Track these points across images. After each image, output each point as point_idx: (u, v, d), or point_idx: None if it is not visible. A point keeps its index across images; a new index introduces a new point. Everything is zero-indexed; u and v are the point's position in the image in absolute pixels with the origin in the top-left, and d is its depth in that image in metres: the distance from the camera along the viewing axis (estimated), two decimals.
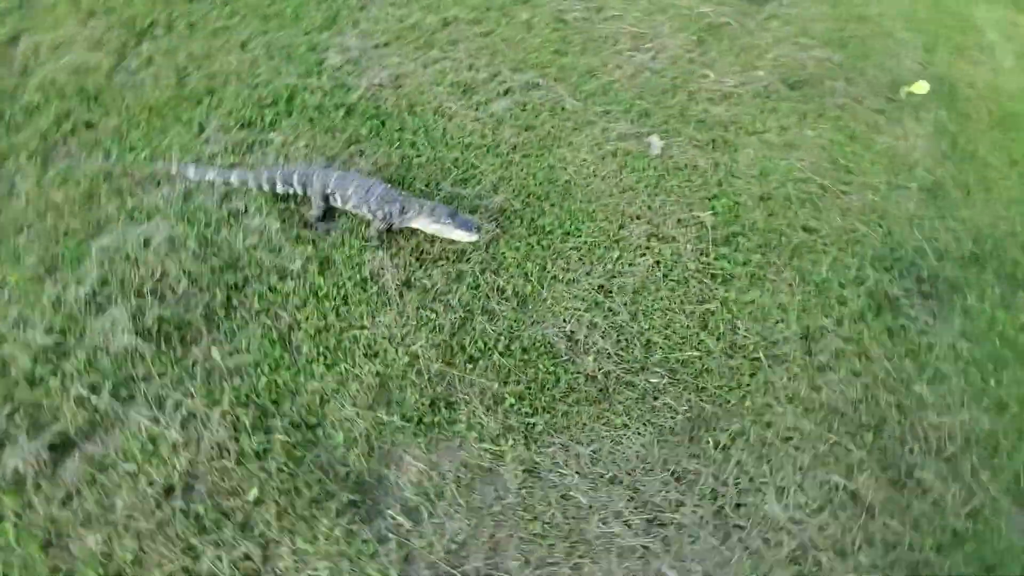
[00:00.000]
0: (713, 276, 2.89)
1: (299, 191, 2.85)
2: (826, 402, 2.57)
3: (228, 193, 2.89)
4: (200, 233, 2.73)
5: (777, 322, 2.78)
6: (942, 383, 2.69)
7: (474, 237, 2.68)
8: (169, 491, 2.13)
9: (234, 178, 2.87)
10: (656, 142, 3.41)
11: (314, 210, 2.81)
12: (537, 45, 3.86)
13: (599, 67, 3.79)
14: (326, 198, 2.79)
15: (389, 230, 2.77)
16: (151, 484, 2.13)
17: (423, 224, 2.71)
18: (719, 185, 3.27)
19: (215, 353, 2.43)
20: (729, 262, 2.94)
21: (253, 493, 2.13)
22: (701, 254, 2.95)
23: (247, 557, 2.03)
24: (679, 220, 3.08)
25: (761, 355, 2.66)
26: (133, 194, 2.86)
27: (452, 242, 2.79)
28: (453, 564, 2.10)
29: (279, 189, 2.85)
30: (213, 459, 2.20)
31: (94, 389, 2.30)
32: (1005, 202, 3.52)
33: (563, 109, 3.51)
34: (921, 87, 3.89)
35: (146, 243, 2.66)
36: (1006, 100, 4.20)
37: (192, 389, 2.33)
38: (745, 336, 2.71)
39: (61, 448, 2.18)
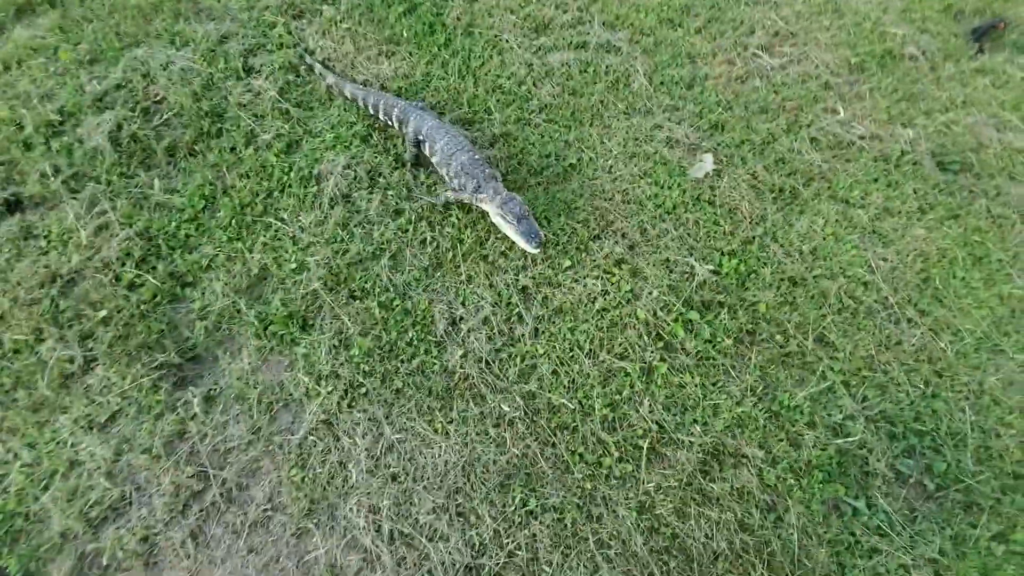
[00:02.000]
0: (658, 336, 2.40)
1: (395, 126, 2.75)
2: (681, 536, 2.08)
3: (255, 48, 2.97)
4: (211, 74, 2.86)
5: (694, 422, 2.25)
6: None
7: (534, 249, 2.34)
8: (54, 279, 2.40)
9: (348, 90, 2.83)
10: (708, 162, 2.80)
11: (407, 153, 2.70)
12: (653, 5, 3.28)
13: (706, 54, 3.14)
14: (417, 143, 2.66)
15: (459, 204, 2.56)
16: (46, 267, 2.41)
17: (491, 210, 2.44)
18: (747, 243, 2.62)
19: (156, 184, 2.61)
20: (689, 331, 2.40)
21: (102, 313, 2.33)
22: (663, 307, 2.44)
23: (71, 360, 2.26)
24: (667, 259, 2.55)
25: (646, 445, 2.20)
26: (187, 20, 3.06)
27: (429, 183, 2.63)
28: (212, 462, 2.14)
29: (380, 117, 2.77)
30: (97, 271, 2.41)
31: (57, 171, 2.62)
32: None
33: (627, 86, 3.00)
34: None
35: (166, 67, 2.87)
36: None
37: (119, 205, 2.54)
38: (643, 416, 2.24)
39: (8, 205, 2.54)
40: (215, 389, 2.25)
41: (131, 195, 2.57)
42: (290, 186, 2.63)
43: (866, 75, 3.14)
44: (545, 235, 2.45)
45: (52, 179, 2.57)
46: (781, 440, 2.24)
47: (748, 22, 3.26)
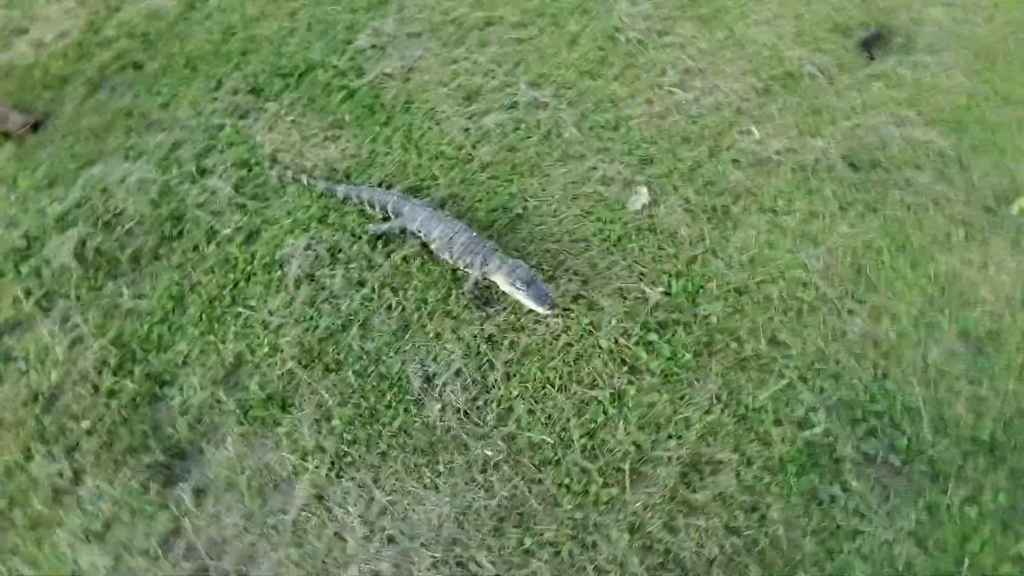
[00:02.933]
0: (623, 362, 2.53)
1: (392, 217, 2.86)
2: (674, 549, 2.15)
3: (206, 150, 3.14)
4: (166, 182, 3.02)
5: (669, 436, 2.37)
6: None
7: (546, 311, 2.46)
8: (36, 397, 2.45)
9: (340, 191, 2.96)
10: (643, 194, 3.02)
11: (392, 228, 2.81)
12: (571, 61, 3.57)
13: (626, 98, 3.42)
14: (412, 234, 2.79)
15: (476, 284, 2.64)
16: (27, 387, 2.47)
17: (500, 280, 2.56)
18: (691, 263, 2.81)
19: (125, 292, 2.71)
20: (650, 352, 2.55)
21: (86, 424, 2.38)
22: (623, 334, 2.59)
23: (61, 475, 2.29)
24: (620, 288, 2.72)
25: (627, 467, 2.29)
26: (139, 134, 3.23)
27: (374, 248, 2.79)
28: (210, 554, 2.16)
29: (376, 210, 2.91)
30: (76, 383, 2.48)
31: (28, 293, 2.70)
32: None
33: (559, 136, 3.24)
34: None
35: (122, 180, 3.02)
36: None
37: (90, 317, 2.63)
38: (620, 440, 2.35)
39: None
40: (204, 481, 2.29)
41: (101, 306, 2.66)
42: (255, 274, 2.75)
43: (772, 97, 3.45)
44: (557, 299, 2.56)
45: (25, 302, 2.65)
46: (752, 441, 2.36)
47: (659, 64, 3.57)
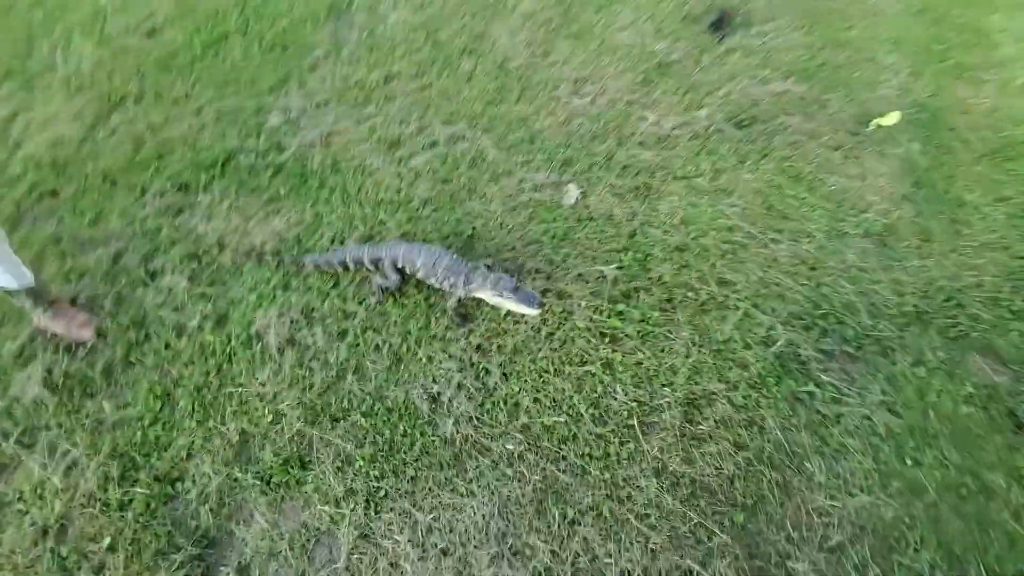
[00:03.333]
0: (602, 335, 2.77)
1: (371, 267, 2.94)
2: (697, 477, 2.37)
3: (151, 253, 3.16)
4: (117, 292, 3.00)
5: (663, 385, 2.61)
6: (844, 461, 2.40)
7: (536, 311, 2.62)
8: (45, 532, 2.34)
9: (323, 261, 3.01)
10: (573, 191, 3.34)
11: (390, 280, 2.87)
12: (474, 96, 3.91)
13: (531, 115, 3.78)
14: (399, 270, 2.87)
15: (460, 302, 2.79)
16: (32, 524, 2.35)
17: (487, 295, 2.70)
18: (632, 236, 3.14)
19: (106, 406, 2.66)
20: (623, 320, 2.81)
21: (107, 541, 2.30)
22: (595, 311, 2.84)
23: None
24: (580, 275, 2.98)
25: (635, 422, 2.51)
26: (74, 256, 3.19)
27: (358, 300, 2.90)
28: None
29: (351, 268, 2.99)
30: (84, 506, 2.39)
31: (5, 435, 2.59)
32: (978, 247, 3.09)
33: (484, 160, 3.53)
34: (892, 117, 3.55)
35: (73, 302, 2.97)
36: (1009, 126, 3.70)
37: (79, 440, 2.55)
38: (622, 401, 2.57)
39: None
40: (244, 559, 2.27)
41: (86, 426, 2.59)
42: (235, 353, 2.78)
43: (653, 85, 3.92)
44: (542, 298, 2.71)
45: (5, 444, 2.54)
46: (731, 368, 2.65)
47: (551, 81, 3.98)
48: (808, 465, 2.39)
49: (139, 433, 2.57)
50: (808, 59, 4.07)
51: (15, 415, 2.65)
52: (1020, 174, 3.43)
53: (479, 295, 2.75)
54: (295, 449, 2.52)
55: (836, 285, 2.92)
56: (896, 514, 2.29)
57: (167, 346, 2.83)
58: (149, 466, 2.50)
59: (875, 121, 3.60)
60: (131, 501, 2.41)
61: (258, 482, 2.43)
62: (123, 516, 2.36)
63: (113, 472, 2.46)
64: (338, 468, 2.45)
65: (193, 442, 2.55)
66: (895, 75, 3.99)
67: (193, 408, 2.63)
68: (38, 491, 2.41)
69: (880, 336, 2.74)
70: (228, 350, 2.79)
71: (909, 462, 2.40)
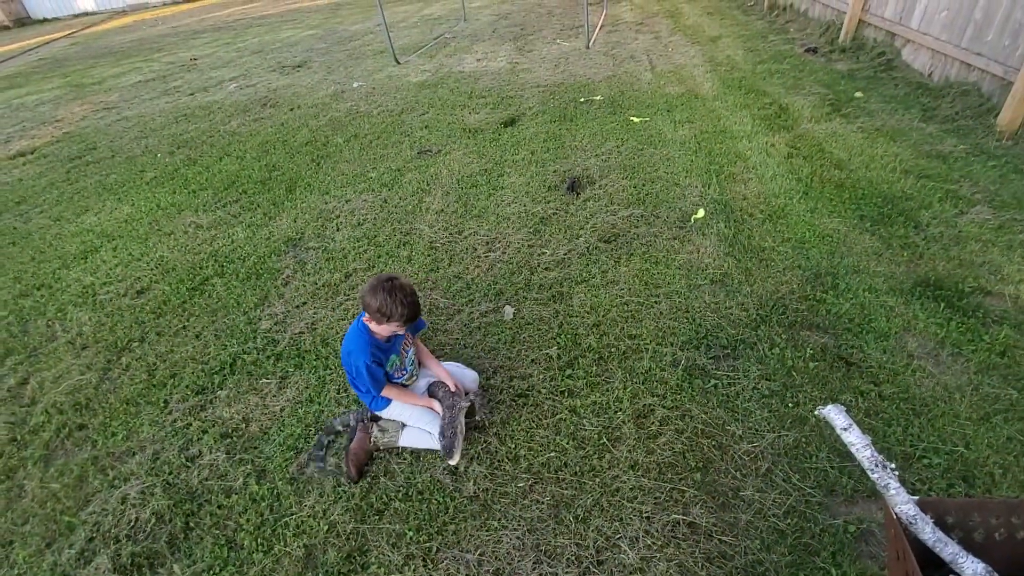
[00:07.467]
0: (561, 392, 3.70)
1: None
2: (659, 460, 3.21)
3: (185, 445, 3.77)
4: (164, 481, 3.54)
5: (615, 412, 3.52)
6: (750, 417, 3.37)
7: (453, 461, 3.22)
8: None
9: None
10: (509, 310, 4.47)
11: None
12: (415, 269, 5.15)
13: (463, 271, 5.04)
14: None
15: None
16: None
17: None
18: (560, 327, 4.25)
19: (176, 569, 3.07)
20: (572, 379, 3.78)
21: None
22: (551, 379, 3.79)
23: None
24: (532, 360, 3.98)
25: (605, 440, 3.35)
26: (115, 468, 3.72)
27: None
28: None
29: (340, 429, 3.65)
30: None
31: None
32: (782, 269, 4.53)
33: (437, 308, 4.63)
34: (700, 213, 5.18)
35: (123, 500, 3.45)
36: (773, 199, 5.49)
37: None
38: (591, 429, 3.43)
39: None
40: None
41: None
42: (281, 494, 3.36)
43: (542, 232, 5.40)
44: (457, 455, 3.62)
45: None
46: (657, 386, 3.64)
47: (469, 247, 5.35)
48: (729, 427, 3.33)
49: None
50: (637, 193, 5.83)
51: None
52: (788, 224, 5.09)
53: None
54: (354, 544, 3.06)
55: (704, 316, 4.14)
56: (795, 438, 3.23)
57: (219, 507, 3.36)
58: None
59: (693, 217, 5.22)
60: None
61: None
62: None
63: None
64: (392, 544, 3.01)
65: (264, 570, 3.01)
66: (694, 189, 5.80)
67: (257, 543, 3.13)
68: None
69: (743, 337, 3.91)
70: (275, 491, 3.37)
71: (791, 405, 3.42)
